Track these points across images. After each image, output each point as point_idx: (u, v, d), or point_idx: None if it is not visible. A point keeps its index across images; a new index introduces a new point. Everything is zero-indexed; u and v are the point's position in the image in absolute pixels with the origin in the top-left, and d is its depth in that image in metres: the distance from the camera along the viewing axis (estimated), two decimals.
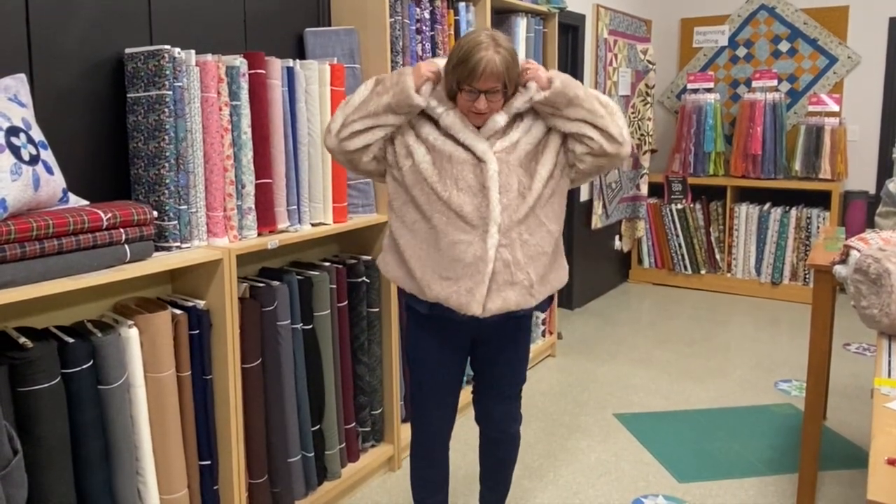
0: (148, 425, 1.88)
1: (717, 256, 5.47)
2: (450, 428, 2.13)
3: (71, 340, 1.70)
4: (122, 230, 1.78)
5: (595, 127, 1.85)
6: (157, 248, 1.96)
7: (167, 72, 1.93)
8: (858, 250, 2.12)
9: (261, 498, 2.23)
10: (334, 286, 2.46)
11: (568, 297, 5.03)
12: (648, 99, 5.61)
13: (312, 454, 2.43)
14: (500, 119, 1.85)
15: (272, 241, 2.18)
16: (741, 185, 5.36)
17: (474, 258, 1.82)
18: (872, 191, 5.12)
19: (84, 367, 1.71)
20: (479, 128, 1.86)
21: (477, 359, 2.10)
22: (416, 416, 2.12)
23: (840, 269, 2.20)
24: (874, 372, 1.67)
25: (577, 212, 4.90)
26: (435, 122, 1.88)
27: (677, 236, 5.57)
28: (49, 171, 1.68)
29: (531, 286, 1.89)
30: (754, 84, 5.37)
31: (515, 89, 1.86)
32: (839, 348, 4.20)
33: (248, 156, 2.15)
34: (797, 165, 5.20)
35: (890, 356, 1.78)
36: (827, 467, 2.80)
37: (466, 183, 1.83)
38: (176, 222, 1.99)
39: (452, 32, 3.09)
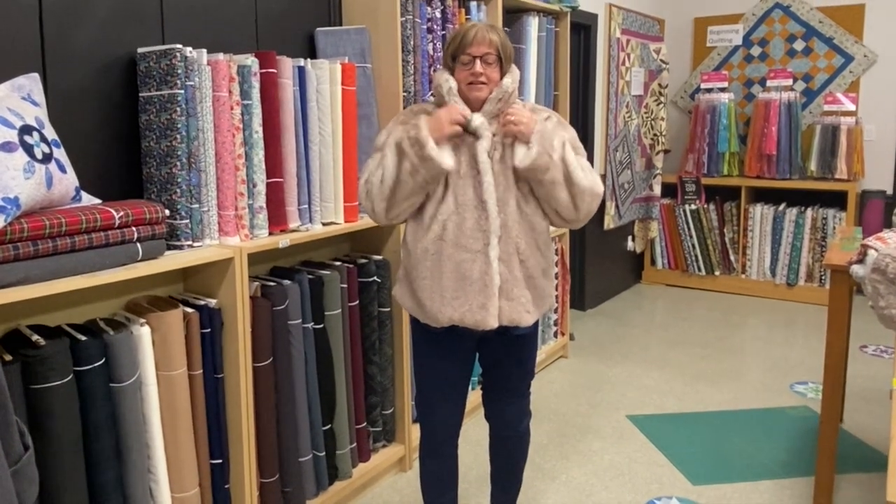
0: (160, 423, 1.88)
1: (732, 257, 5.42)
2: (457, 425, 2.13)
3: (83, 338, 1.71)
4: (134, 229, 1.78)
5: (549, 205, 1.93)
6: (169, 247, 1.96)
7: (179, 71, 1.93)
8: (876, 250, 2.09)
9: (272, 497, 2.23)
10: (345, 285, 2.46)
11: (580, 299, 5.00)
12: (661, 99, 5.57)
13: (323, 454, 2.42)
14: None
15: (283, 241, 2.18)
16: (756, 185, 5.31)
17: (480, 273, 1.86)
18: (890, 190, 5.06)
19: (96, 364, 1.72)
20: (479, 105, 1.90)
21: (484, 358, 2.10)
22: (423, 415, 2.12)
23: (857, 269, 2.16)
24: (892, 373, 1.64)
25: None
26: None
27: (691, 237, 5.53)
28: (62, 169, 1.69)
29: (527, 303, 1.94)
30: (769, 83, 5.32)
31: (510, 64, 1.93)
32: (856, 350, 4.15)
33: (259, 155, 2.15)
34: (813, 165, 5.14)
35: None
36: (844, 470, 2.76)
37: (466, 197, 1.87)
38: (188, 221, 1.99)
39: None
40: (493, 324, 1.88)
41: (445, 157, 1.82)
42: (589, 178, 1.91)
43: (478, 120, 1.88)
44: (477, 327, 1.88)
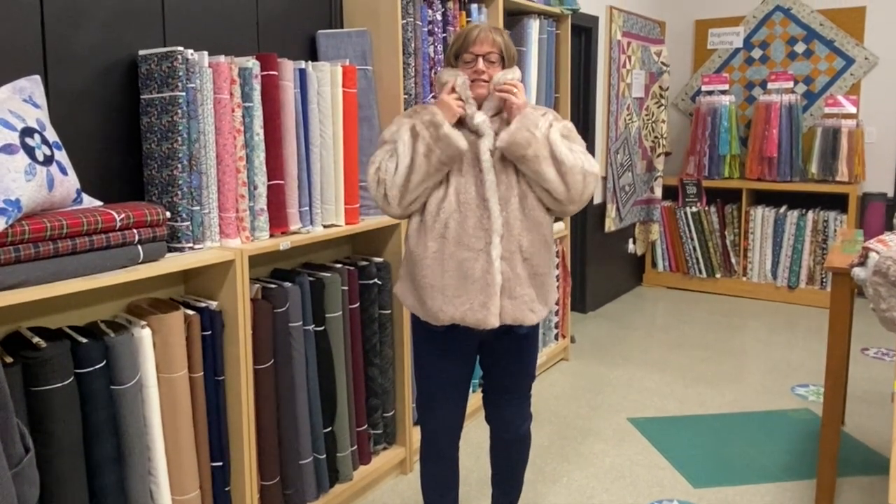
0: (160, 426, 1.88)
1: (733, 260, 5.42)
2: (458, 427, 2.13)
3: (84, 340, 1.71)
4: (135, 231, 1.78)
5: (539, 185, 1.90)
6: (170, 249, 1.96)
7: (180, 73, 1.94)
8: (878, 252, 2.09)
9: (272, 500, 2.23)
10: (346, 288, 2.46)
11: (581, 301, 5.00)
12: (662, 101, 5.57)
13: (324, 456, 2.42)
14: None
15: (284, 243, 2.18)
16: (757, 187, 5.31)
17: (482, 272, 1.86)
18: (891, 193, 5.06)
19: (97, 367, 1.72)
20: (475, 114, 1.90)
21: (485, 359, 2.10)
22: (423, 416, 2.11)
23: (859, 272, 2.16)
24: (894, 376, 1.64)
25: (590, 215, 4.87)
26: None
27: (692, 239, 5.53)
28: (63, 171, 1.69)
29: (531, 301, 1.92)
30: (770, 86, 5.32)
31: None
32: (857, 353, 4.14)
33: (260, 157, 2.15)
34: (814, 168, 5.14)
35: None
36: (845, 473, 2.76)
37: (469, 196, 1.87)
38: (189, 223, 1.99)
39: None
40: (494, 323, 1.87)
41: (461, 139, 1.83)
42: (578, 157, 1.89)
43: (479, 118, 1.88)
44: (478, 326, 1.88)
